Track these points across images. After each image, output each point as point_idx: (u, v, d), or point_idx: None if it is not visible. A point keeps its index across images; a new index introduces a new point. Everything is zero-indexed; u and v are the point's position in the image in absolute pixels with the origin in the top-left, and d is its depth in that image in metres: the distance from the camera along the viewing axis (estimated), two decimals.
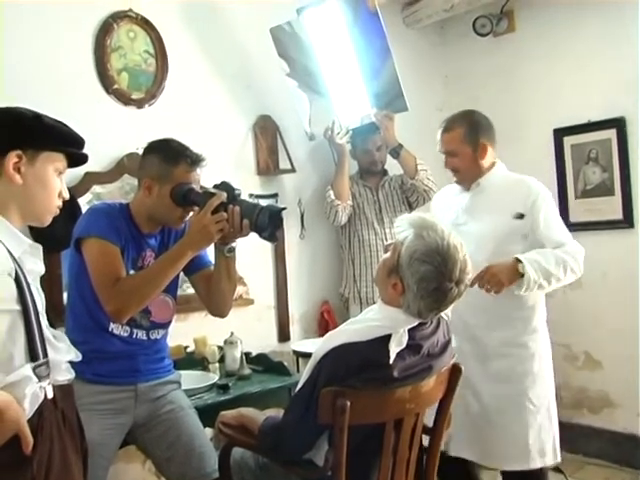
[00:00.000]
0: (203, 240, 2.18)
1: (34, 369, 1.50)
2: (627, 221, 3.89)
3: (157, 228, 2.40)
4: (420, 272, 1.86)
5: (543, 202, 2.77)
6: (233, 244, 2.31)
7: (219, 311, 2.50)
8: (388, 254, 1.98)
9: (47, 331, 1.59)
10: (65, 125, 1.69)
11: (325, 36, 3.68)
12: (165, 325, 2.44)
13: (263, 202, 2.25)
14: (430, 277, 1.86)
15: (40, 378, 1.51)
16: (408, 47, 4.35)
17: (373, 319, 1.96)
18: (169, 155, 2.28)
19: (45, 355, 1.54)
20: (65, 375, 1.64)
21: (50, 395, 1.55)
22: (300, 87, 3.78)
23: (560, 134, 4.12)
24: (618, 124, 3.88)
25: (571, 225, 4.07)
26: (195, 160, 2.29)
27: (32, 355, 1.51)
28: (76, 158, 1.73)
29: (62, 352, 1.63)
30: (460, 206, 2.88)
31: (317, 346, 1.95)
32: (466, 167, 2.83)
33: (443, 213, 2.92)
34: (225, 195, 2.18)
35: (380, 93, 3.71)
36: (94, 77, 3.15)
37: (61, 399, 1.60)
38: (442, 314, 2.09)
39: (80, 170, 2.93)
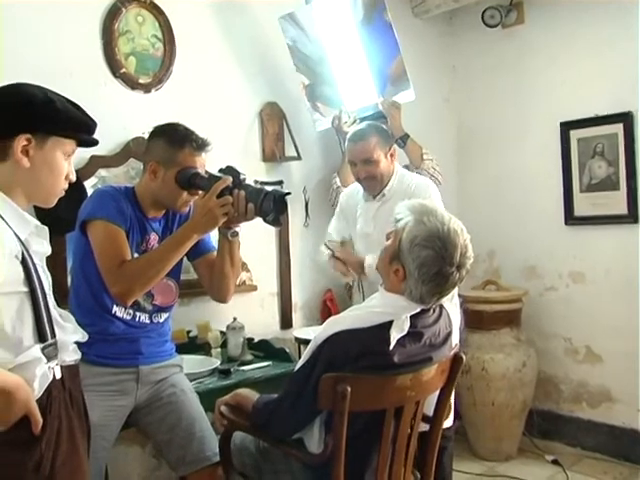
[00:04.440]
0: (208, 223, 2.19)
1: (43, 350, 1.51)
2: (632, 216, 3.87)
3: (161, 212, 2.41)
4: (421, 257, 1.87)
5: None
6: (237, 228, 2.32)
7: (221, 296, 2.52)
8: (389, 241, 1.99)
9: (54, 311, 1.60)
10: (78, 108, 1.67)
11: (333, 25, 3.68)
12: (168, 309, 2.45)
13: (268, 188, 2.24)
14: (431, 262, 1.87)
15: (49, 358, 1.52)
16: (416, 37, 4.34)
17: (375, 306, 1.97)
18: (175, 139, 2.28)
19: (53, 335, 1.55)
20: (72, 355, 1.65)
21: (58, 375, 1.56)
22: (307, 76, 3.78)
23: (566, 127, 4.10)
24: (625, 119, 3.86)
25: (575, 219, 4.10)
26: (200, 144, 2.30)
27: (40, 336, 1.52)
28: (87, 141, 1.72)
29: (69, 332, 1.64)
30: (368, 215, 3.04)
31: (319, 330, 1.96)
32: (382, 173, 2.96)
33: (351, 215, 3.13)
34: (231, 179, 2.19)
35: (386, 80, 3.71)
36: (101, 61, 3.14)
37: (68, 379, 1.61)
38: (445, 304, 2.10)
39: (86, 153, 2.94)
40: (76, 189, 2.65)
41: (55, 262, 2.80)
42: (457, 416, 3.03)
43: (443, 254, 1.87)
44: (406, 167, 3.83)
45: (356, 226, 3.10)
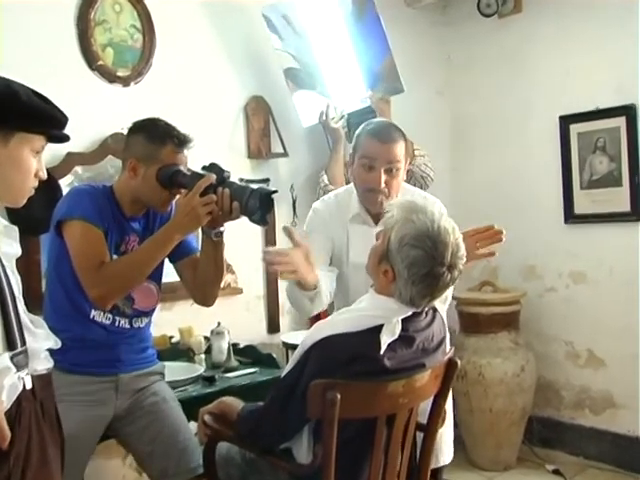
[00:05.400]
0: (191, 223, 2.19)
1: (12, 358, 1.49)
2: (635, 213, 3.90)
3: (141, 212, 2.41)
4: (410, 257, 1.87)
5: None
6: (221, 228, 2.32)
7: (204, 300, 2.52)
8: (378, 241, 2.00)
9: (25, 317, 1.58)
10: (46, 101, 1.64)
11: (319, 17, 3.70)
12: (149, 313, 2.45)
13: (253, 186, 2.24)
14: (420, 262, 1.87)
15: (18, 368, 1.50)
16: (408, 27, 4.36)
17: (365, 309, 1.98)
18: (155, 135, 2.28)
19: (23, 343, 1.53)
20: (44, 364, 1.63)
21: (29, 385, 1.54)
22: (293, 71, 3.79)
23: (566, 121, 4.13)
24: (628, 112, 3.88)
25: (575, 217, 4.12)
26: (182, 140, 2.29)
27: (9, 343, 1.49)
28: (57, 136, 1.69)
29: (41, 339, 1.62)
30: (366, 242, 2.21)
31: (306, 335, 1.97)
32: (398, 188, 2.47)
33: (337, 235, 2.53)
34: (214, 177, 2.19)
35: (376, 75, 3.73)
36: (77, 52, 3.14)
37: (40, 389, 1.59)
38: (438, 307, 2.10)
39: (61, 150, 2.94)
40: (51, 188, 2.65)
41: (29, 265, 2.81)
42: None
43: (433, 254, 1.86)
44: None
45: (346, 254, 2.53)
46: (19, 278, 1.62)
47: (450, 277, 1.90)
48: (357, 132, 2.52)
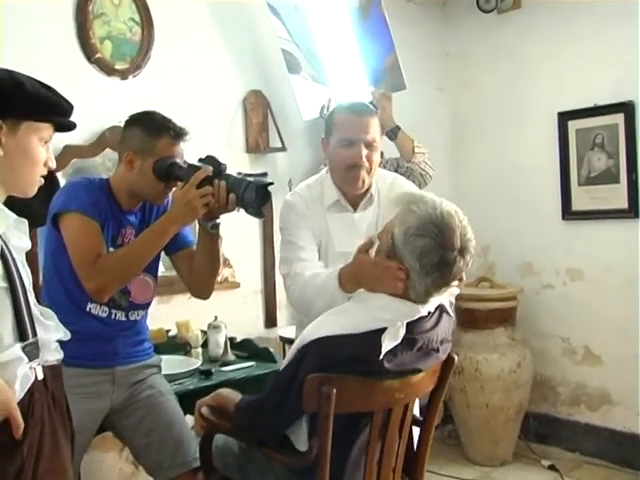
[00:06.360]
0: (188, 215, 2.19)
1: (24, 349, 1.50)
2: (632, 210, 3.90)
3: (138, 204, 2.40)
4: (419, 248, 1.80)
5: None
6: (217, 220, 2.32)
7: (201, 293, 2.52)
8: (382, 240, 1.94)
9: (35, 309, 1.59)
10: (51, 90, 1.65)
11: (323, 11, 3.70)
12: (145, 306, 2.44)
13: (250, 178, 2.24)
14: (430, 251, 1.80)
15: (30, 358, 1.51)
16: (408, 22, 4.34)
17: (369, 309, 1.91)
18: (152, 127, 2.28)
19: (34, 334, 1.54)
20: (55, 355, 1.65)
21: (40, 376, 1.56)
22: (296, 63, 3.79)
23: (565, 118, 4.13)
24: (626, 109, 3.88)
25: (573, 214, 4.12)
26: (179, 133, 2.29)
27: (21, 334, 1.51)
28: (63, 124, 1.71)
29: (51, 331, 1.64)
30: (356, 227, 2.38)
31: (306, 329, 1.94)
32: (377, 164, 2.42)
33: (317, 227, 2.43)
34: (211, 169, 2.19)
35: (378, 72, 3.73)
36: (75, 45, 3.13)
37: (51, 380, 1.61)
38: (448, 307, 2.05)
39: (59, 143, 2.93)
40: (49, 180, 2.63)
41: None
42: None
43: (441, 240, 1.80)
44: (396, 161, 3.86)
45: (327, 244, 2.44)
46: (29, 271, 1.63)
47: (463, 261, 1.83)
48: (328, 114, 2.53)
